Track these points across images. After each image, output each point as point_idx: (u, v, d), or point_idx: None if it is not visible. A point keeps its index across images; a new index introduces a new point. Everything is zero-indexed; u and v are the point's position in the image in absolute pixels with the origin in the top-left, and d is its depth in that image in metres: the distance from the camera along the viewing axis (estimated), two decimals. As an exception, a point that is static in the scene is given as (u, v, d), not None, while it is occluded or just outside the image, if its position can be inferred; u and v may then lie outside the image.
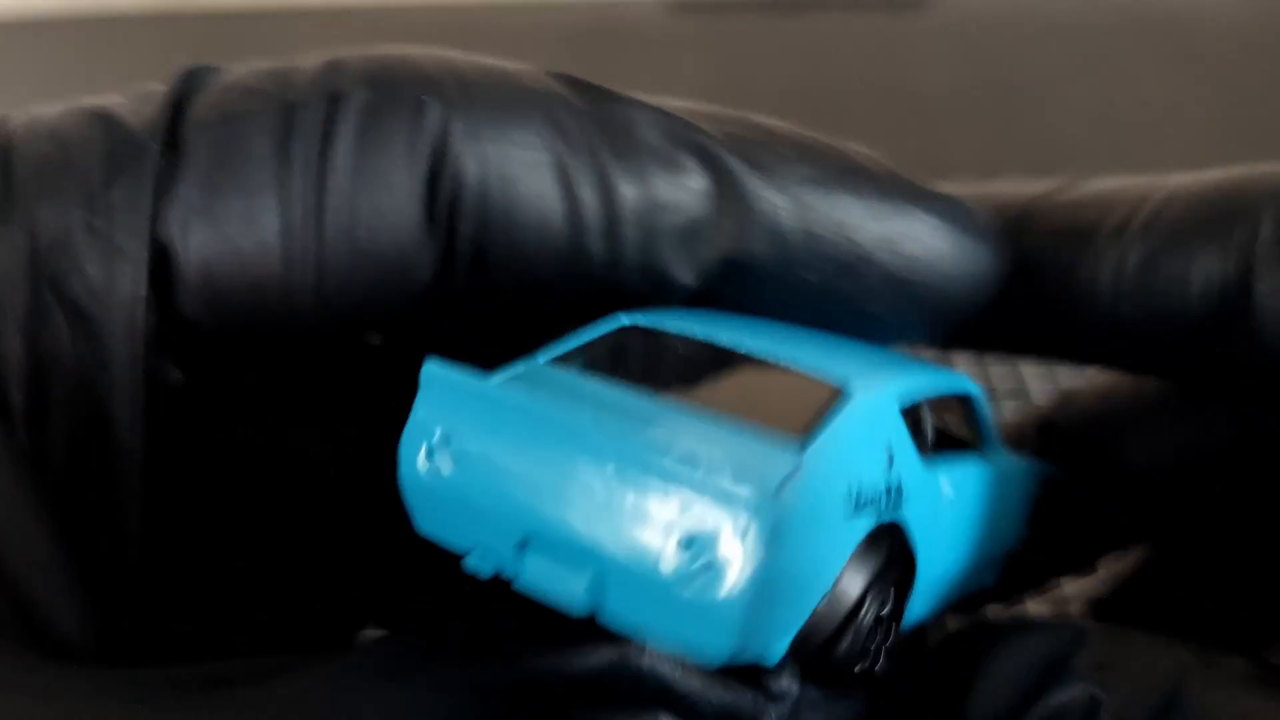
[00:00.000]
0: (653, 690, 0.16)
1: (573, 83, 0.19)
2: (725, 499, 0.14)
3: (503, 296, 0.19)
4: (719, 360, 0.18)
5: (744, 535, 0.14)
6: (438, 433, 0.16)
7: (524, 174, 0.18)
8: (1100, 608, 0.27)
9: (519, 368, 0.17)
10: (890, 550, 0.17)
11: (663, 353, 0.18)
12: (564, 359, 0.18)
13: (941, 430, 0.19)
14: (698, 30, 0.72)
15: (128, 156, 0.18)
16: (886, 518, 0.17)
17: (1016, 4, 0.75)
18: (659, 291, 0.19)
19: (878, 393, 0.17)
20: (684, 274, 0.19)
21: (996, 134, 0.61)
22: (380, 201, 0.18)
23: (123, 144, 0.18)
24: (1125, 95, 0.64)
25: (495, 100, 0.18)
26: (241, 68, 0.19)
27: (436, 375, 0.16)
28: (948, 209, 0.20)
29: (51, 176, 0.18)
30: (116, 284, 0.18)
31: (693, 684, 0.16)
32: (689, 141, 0.19)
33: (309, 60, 0.19)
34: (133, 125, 0.18)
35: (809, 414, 0.16)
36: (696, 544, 0.14)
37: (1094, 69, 0.68)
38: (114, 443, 0.18)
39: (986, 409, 0.21)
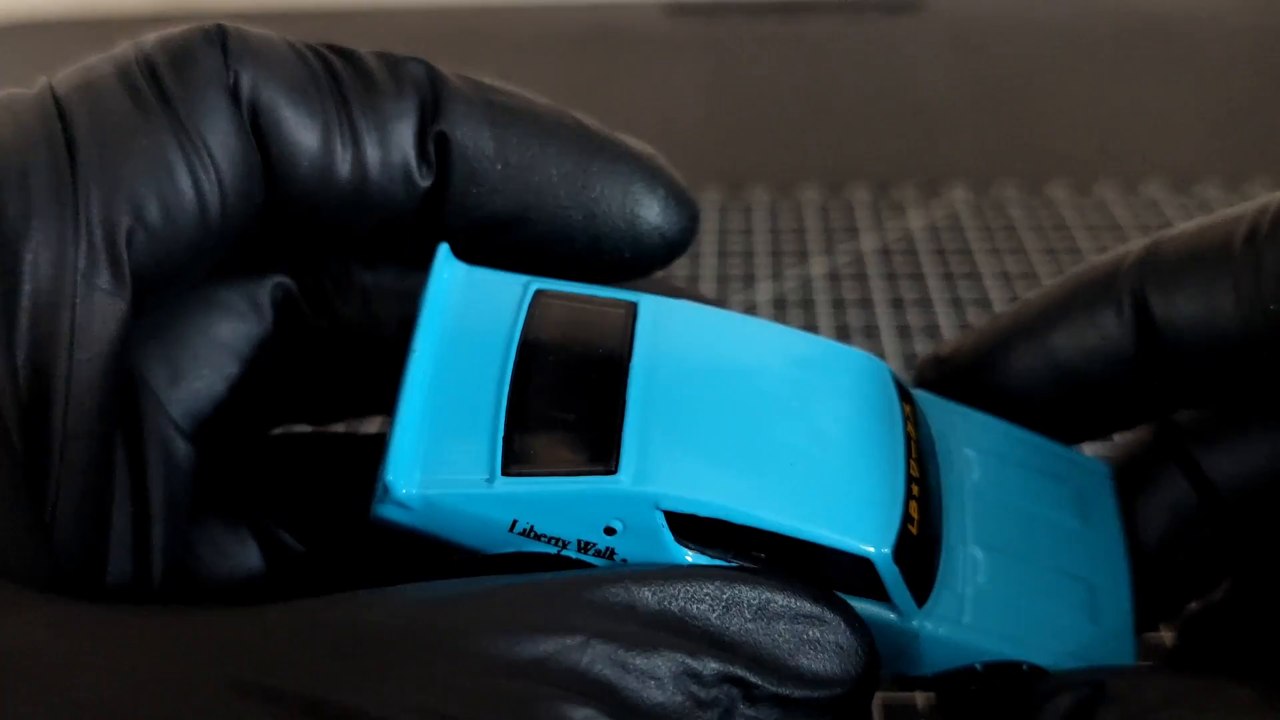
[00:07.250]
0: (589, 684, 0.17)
1: (317, 45, 0.23)
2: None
3: (293, 207, 0.22)
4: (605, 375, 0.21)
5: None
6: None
7: (285, 95, 0.22)
8: (1183, 641, 0.27)
9: None
10: None
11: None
12: None
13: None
14: (695, 33, 0.72)
15: (37, 142, 0.20)
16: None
17: (1011, 7, 0.75)
18: (406, 196, 0.23)
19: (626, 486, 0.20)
20: (418, 175, 0.23)
21: (991, 136, 0.61)
22: (213, 121, 0.21)
23: (33, 132, 0.20)
24: (1119, 97, 0.65)
25: (264, 39, 0.22)
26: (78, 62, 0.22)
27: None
28: (642, 159, 0.24)
29: None
30: (66, 259, 0.20)
31: (628, 683, 0.18)
32: (409, 71, 0.23)
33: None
34: (31, 117, 0.21)
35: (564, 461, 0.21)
36: None
37: (1088, 71, 0.68)
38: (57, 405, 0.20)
39: (887, 569, 0.21)
